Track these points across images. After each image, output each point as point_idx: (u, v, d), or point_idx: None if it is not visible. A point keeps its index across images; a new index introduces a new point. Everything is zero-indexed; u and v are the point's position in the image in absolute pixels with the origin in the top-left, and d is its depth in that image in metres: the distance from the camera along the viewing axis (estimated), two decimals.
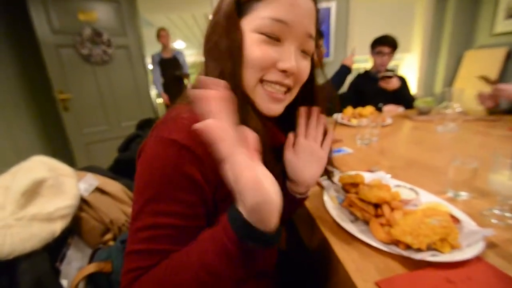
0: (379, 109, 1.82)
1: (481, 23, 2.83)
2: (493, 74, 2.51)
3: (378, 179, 0.67)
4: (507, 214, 0.56)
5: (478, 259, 0.45)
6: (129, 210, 0.70)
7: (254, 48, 0.41)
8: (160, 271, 0.33)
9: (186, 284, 0.32)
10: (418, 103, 1.68)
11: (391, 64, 1.94)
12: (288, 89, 0.45)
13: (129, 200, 0.73)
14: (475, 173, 0.63)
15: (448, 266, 0.44)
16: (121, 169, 0.86)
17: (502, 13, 2.55)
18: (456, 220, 0.52)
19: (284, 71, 0.42)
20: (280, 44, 0.42)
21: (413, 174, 0.81)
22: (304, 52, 0.45)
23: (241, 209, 0.31)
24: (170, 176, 0.35)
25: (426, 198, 0.63)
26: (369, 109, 1.54)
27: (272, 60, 0.42)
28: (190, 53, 8.31)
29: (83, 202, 0.64)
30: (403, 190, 0.65)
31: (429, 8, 2.89)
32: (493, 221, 0.55)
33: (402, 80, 1.87)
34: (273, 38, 0.41)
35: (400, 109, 1.85)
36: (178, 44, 6.92)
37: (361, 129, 1.14)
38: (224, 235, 0.31)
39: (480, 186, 0.66)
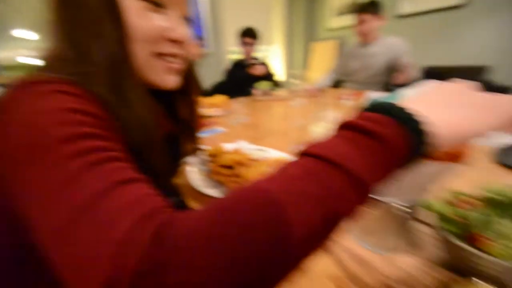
0: (250, 93, 2.05)
1: (320, 19, 3.61)
2: (330, 62, 3.26)
3: (238, 148, 0.77)
4: None
5: None
6: None
7: (139, 17, 0.35)
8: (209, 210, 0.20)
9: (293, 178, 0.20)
10: (256, 86, 1.99)
11: (261, 55, 2.21)
12: (181, 59, 0.43)
13: None
14: (306, 130, 0.84)
15: None
16: None
17: (335, 11, 3.32)
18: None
19: (176, 41, 0.40)
20: (165, 12, 0.38)
21: (271, 140, 0.98)
22: (185, 18, 0.42)
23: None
24: (75, 114, 0.26)
25: (275, 155, 0.78)
26: (219, 99, 1.65)
27: (160, 31, 0.38)
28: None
29: None
30: (256, 152, 0.78)
31: (282, 4, 3.42)
32: None
33: (267, 67, 2.17)
34: (157, 5, 0.37)
35: (285, 92, 2.14)
36: (20, 33, 5.32)
37: (218, 118, 1.27)
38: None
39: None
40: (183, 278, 0.15)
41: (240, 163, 0.65)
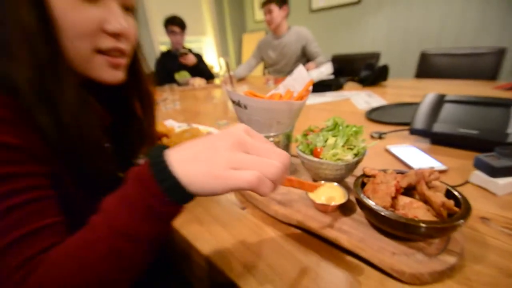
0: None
1: (249, 12, 3.76)
2: None
3: (170, 126, 0.84)
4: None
5: None
6: None
7: (69, 10, 0.32)
8: (61, 253, 0.26)
9: (99, 257, 0.25)
10: (176, 77, 2.09)
11: (194, 46, 2.23)
12: (123, 53, 0.40)
13: None
14: (225, 109, 0.94)
15: None
16: None
17: (259, 4, 3.50)
18: (210, 134, 0.79)
19: (115, 34, 0.36)
20: (99, 2, 0.34)
21: (200, 119, 1.06)
22: (127, 8, 0.39)
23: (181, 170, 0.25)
24: None
25: (200, 129, 0.87)
26: None
27: (96, 23, 0.34)
28: None
29: None
30: (182, 127, 0.86)
31: None
32: None
33: (199, 56, 2.20)
34: None
35: (202, 81, 2.20)
36: None
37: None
38: (145, 192, 0.25)
39: (234, 116, 0.99)
40: None
41: (165, 135, 0.72)
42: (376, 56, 2.03)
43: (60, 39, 0.32)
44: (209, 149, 0.25)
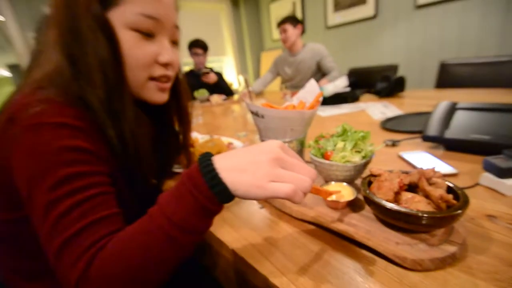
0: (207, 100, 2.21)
1: (264, 32, 3.94)
2: None
3: (195, 137, 0.92)
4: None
5: None
6: None
7: (134, 47, 0.41)
8: (120, 240, 0.30)
9: (158, 242, 0.29)
10: (195, 95, 2.22)
11: (215, 65, 2.40)
12: (169, 79, 0.48)
13: None
14: (245, 122, 1.02)
15: None
16: None
17: (276, 24, 3.67)
18: (231, 143, 0.85)
19: (165, 64, 0.45)
20: (154, 39, 0.43)
21: (221, 131, 1.14)
22: (174, 42, 0.47)
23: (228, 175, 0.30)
24: (66, 153, 0.33)
25: (223, 139, 0.94)
26: None
27: (153, 57, 0.43)
28: None
29: None
30: (205, 138, 0.94)
31: (229, 19, 3.68)
32: (256, 142, 0.93)
33: (219, 75, 2.34)
34: (147, 34, 0.42)
35: (222, 97, 2.32)
36: None
37: None
38: (197, 192, 0.29)
39: (252, 128, 1.06)
40: None
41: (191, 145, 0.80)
42: (393, 68, 2.04)
43: (124, 69, 0.41)
44: (252, 162, 0.30)
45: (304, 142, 0.54)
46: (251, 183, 0.29)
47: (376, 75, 2.06)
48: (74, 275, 0.28)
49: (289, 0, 3.46)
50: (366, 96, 1.55)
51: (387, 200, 0.36)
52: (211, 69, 2.30)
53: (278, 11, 3.64)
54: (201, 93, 2.20)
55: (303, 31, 2.11)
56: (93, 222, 0.31)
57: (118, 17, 0.39)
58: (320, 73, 2.11)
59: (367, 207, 0.42)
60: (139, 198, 0.48)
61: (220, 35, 3.78)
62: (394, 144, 0.74)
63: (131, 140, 0.41)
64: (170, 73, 0.47)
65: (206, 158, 0.31)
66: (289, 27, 2.03)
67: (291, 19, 2.04)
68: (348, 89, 1.47)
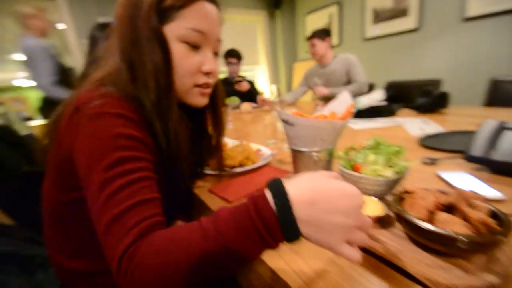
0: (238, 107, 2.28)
1: (298, 43, 3.97)
2: None
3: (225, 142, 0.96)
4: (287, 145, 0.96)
5: (267, 165, 0.79)
6: None
7: (183, 57, 0.46)
8: (171, 231, 0.31)
9: (195, 245, 0.29)
10: (227, 101, 2.24)
11: (248, 74, 2.47)
12: (210, 86, 0.53)
13: None
14: (274, 130, 1.03)
15: (251, 172, 0.74)
16: None
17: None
18: (260, 150, 0.87)
19: (208, 73, 0.50)
20: (200, 50, 0.48)
21: (250, 138, 1.17)
22: (215, 53, 0.53)
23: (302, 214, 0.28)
24: (120, 139, 0.37)
25: (252, 146, 0.96)
26: None
27: (198, 66, 0.48)
28: None
29: None
30: (234, 144, 0.96)
31: (265, 30, 3.77)
32: (284, 149, 0.94)
33: (251, 83, 2.40)
34: (195, 46, 0.47)
35: (253, 105, 2.37)
36: (19, 57, 5.41)
37: None
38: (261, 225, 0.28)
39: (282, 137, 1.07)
40: (143, 277, 0.28)
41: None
42: (435, 83, 1.92)
43: (173, 76, 0.46)
44: (334, 223, 0.28)
45: (334, 153, 0.53)
46: (325, 243, 0.29)
47: (416, 89, 1.96)
48: (120, 249, 0.29)
49: (325, 12, 3.46)
50: (404, 110, 1.48)
51: (420, 219, 0.34)
52: (244, 78, 2.37)
53: (314, 22, 3.65)
54: (232, 100, 2.27)
55: (331, 43, 2.10)
56: (139, 202, 0.33)
57: (172, 31, 0.45)
58: (348, 83, 2.07)
59: (397, 225, 0.40)
60: (171, 194, 0.50)
61: (254, 45, 3.89)
62: (432, 162, 0.70)
63: (174, 137, 0.46)
64: (211, 80, 0.52)
65: (282, 197, 0.28)
66: (317, 41, 2.05)
67: (319, 33, 2.05)
68: (384, 103, 1.41)
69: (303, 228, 0.28)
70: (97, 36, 1.04)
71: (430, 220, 0.35)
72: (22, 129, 1.75)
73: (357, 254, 0.29)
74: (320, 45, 2.05)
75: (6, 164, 0.69)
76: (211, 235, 0.28)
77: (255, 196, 0.30)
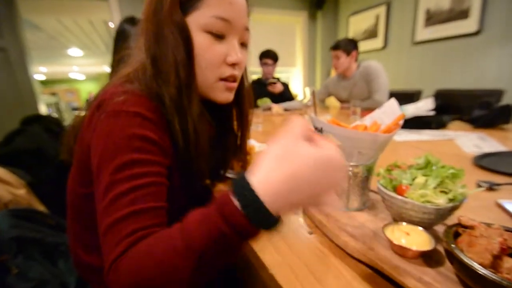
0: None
1: None
2: None
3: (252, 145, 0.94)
4: None
5: None
6: (14, 190, 0.72)
7: (206, 48, 0.44)
8: (150, 243, 0.30)
9: (168, 261, 0.28)
10: (258, 103, 2.21)
11: (283, 76, 2.44)
12: (236, 79, 0.50)
13: (15, 182, 0.75)
14: None
15: None
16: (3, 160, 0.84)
17: (353, 36, 3.51)
18: None
19: (233, 64, 0.47)
20: (224, 40, 0.45)
21: None
22: (242, 44, 0.49)
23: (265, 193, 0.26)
24: (134, 140, 0.36)
25: None
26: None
27: (222, 57, 0.45)
28: (89, 62, 7.46)
29: None
30: (261, 146, 0.93)
31: (304, 32, 3.68)
32: None
33: (285, 85, 2.36)
34: (219, 35, 0.44)
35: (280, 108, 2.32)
36: (73, 52, 6.12)
37: None
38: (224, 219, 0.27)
39: None
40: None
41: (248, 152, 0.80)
42: (496, 94, 1.69)
43: (195, 69, 0.44)
44: (307, 189, 0.27)
45: (373, 169, 0.47)
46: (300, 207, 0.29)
47: (471, 100, 1.74)
48: (112, 256, 0.29)
49: (372, 13, 3.26)
50: (456, 123, 1.31)
51: (481, 264, 0.27)
52: (278, 79, 2.33)
53: (358, 24, 3.47)
54: (264, 101, 2.24)
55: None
56: (141, 210, 0.33)
57: (195, 20, 0.43)
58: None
59: (447, 264, 0.33)
60: (191, 195, 0.49)
61: (292, 47, 3.82)
62: (491, 188, 0.59)
63: (193, 134, 0.43)
64: (237, 72, 0.48)
65: (253, 205, 0.26)
66: (342, 54, 1.91)
67: (345, 46, 1.91)
68: (432, 113, 1.27)
69: (270, 204, 0.26)
70: (127, 30, 1.05)
71: (495, 267, 0.28)
72: (70, 118, 1.92)
73: (335, 202, 0.28)
74: (344, 60, 1.92)
75: (47, 153, 0.74)
76: (180, 251, 0.28)
77: (220, 203, 0.28)
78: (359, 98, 1.98)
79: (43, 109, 2.70)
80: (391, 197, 0.41)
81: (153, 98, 0.41)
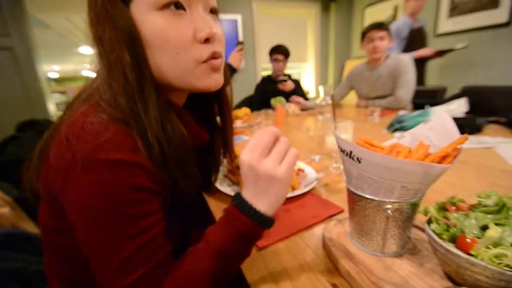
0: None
1: (353, 39, 3.60)
2: None
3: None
4: (336, 164, 0.78)
5: (310, 193, 0.63)
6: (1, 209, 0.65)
7: (167, 29, 0.35)
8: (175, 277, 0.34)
9: (203, 274, 0.34)
10: (272, 102, 2.06)
11: (294, 72, 2.29)
12: (220, 55, 0.40)
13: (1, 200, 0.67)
14: (322, 141, 0.85)
15: (289, 201, 0.59)
16: None
17: None
18: (302, 170, 0.71)
19: (207, 40, 0.37)
20: (187, 13, 0.36)
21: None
22: (211, 10, 0.40)
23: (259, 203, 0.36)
24: (125, 194, 0.31)
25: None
26: (243, 111, 1.68)
27: (190, 34, 0.36)
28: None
29: None
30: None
31: (316, 25, 3.50)
32: (332, 170, 0.76)
33: (297, 82, 2.21)
34: (177, 7, 0.35)
35: (296, 108, 2.18)
36: (84, 50, 6.14)
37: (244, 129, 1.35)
38: (240, 225, 0.35)
39: (327, 152, 0.89)
40: None
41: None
42: None
43: (149, 66, 0.36)
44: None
45: (419, 206, 0.36)
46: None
47: (503, 98, 1.56)
48: None
49: (390, 4, 3.05)
50: (492, 127, 1.15)
51: None
52: (289, 76, 2.19)
53: (374, 16, 3.27)
54: (278, 100, 2.08)
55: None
56: (153, 267, 0.33)
57: (142, 2, 0.34)
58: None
59: None
60: (182, 211, 0.47)
61: (303, 41, 3.65)
62: None
63: (165, 143, 0.36)
64: (218, 48, 0.39)
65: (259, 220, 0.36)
66: (387, 37, 1.71)
67: (388, 27, 1.72)
68: (464, 115, 1.12)
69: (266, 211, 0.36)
70: None
71: None
72: None
73: None
74: (387, 43, 1.72)
75: None
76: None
77: (235, 221, 0.36)
78: (380, 94, 1.81)
79: (52, 108, 2.69)
80: (450, 253, 0.29)
81: (120, 119, 0.34)
